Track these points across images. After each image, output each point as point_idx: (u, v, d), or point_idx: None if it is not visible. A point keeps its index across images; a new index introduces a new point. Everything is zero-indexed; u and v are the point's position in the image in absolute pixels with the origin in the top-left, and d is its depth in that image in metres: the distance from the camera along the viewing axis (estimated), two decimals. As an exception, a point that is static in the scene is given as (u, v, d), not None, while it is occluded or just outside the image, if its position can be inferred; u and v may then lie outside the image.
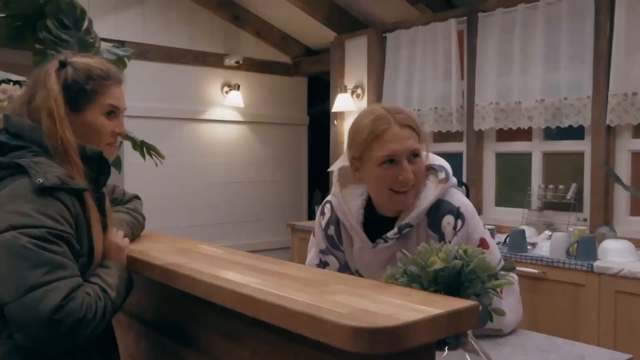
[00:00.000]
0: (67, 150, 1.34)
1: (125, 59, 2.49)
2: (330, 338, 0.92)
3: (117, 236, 1.47)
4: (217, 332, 1.37)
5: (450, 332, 0.98)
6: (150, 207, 5.62)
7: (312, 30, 5.30)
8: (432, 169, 1.62)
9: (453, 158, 4.38)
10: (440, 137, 4.39)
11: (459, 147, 4.29)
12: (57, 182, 1.27)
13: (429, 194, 1.57)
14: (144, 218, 1.75)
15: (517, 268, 3.07)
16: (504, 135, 4.04)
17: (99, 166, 1.41)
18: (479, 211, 4.02)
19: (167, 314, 1.60)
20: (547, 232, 3.39)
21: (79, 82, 1.40)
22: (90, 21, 2.18)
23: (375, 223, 1.64)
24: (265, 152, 5.73)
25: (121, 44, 4.73)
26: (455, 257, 1.14)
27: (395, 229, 1.58)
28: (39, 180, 1.25)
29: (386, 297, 1.05)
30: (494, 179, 4.13)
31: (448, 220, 1.56)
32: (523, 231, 3.24)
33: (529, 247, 3.25)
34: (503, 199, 4.10)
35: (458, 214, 1.56)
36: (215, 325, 1.38)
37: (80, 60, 1.45)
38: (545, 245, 3.16)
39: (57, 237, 1.24)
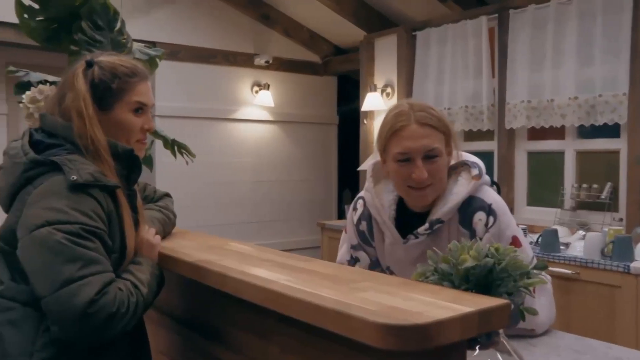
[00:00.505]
0: (97, 148, 1.36)
1: (157, 59, 2.51)
2: (359, 335, 0.91)
3: (149, 233, 1.49)
4: (246, 329, 1.38)
5: (481, 331, 0.97)
6: (180, 205, 5.64)
7: (342, 29, 5.30)
8: (465, 165, 1.60)
9: (484, 157, 4.29)
10: (471, 135, 4.35)
11: (490, 145, 4.24)
12: (90, 179, 1.29)
13: (461, 189, 1.56)
14: (175, 216, 1.77)
15: (550, 268, 3.04)
16: (535, 133, 3.98)
17: (130, 163, 1.43)
18: (510, 211, 3.95)
19: (197, 310, 1.61)
20: (581, 232, 3.33)
21: (105, 80, 1.42)
22: (122, 22, 2.21)
23: (407, 219, 1.63)
24: (295, 152, 5.75)
25: (152, 44, 4.79)
26: (487, 255, 1.13)
27: (427, 225, 1.57)
28: (73, 177, 1.27)
29: (416, 295, 1.04)
30: (525, 178, 4.07)
31: (480, 216, 1.54)
32: (555, 231, 3.19)
33: (561, 247, 3.20)
34: (535, 199, 4.04)
35: (490, 211, 1.54)
36: (244, 322, 1.38)
37: (106, 59, 1.47)
38: (579, 245, 3.10)
39: (90, 233, 1.26)
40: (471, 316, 0.94)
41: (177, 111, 4.96)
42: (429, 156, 1.53)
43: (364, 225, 1.73)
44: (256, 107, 5.46)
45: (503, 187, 4.00)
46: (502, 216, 1.55)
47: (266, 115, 5.55)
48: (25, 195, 1.31)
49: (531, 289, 1.12)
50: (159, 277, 1.44)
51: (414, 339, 0.88)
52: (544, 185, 4.01)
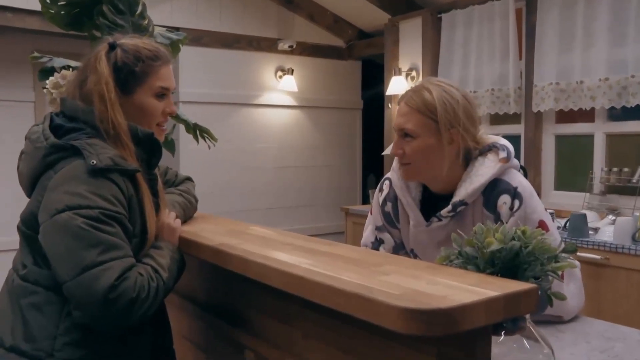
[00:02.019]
0: (118, 132, 1.35)
1: (179, 43, 2.50)
2: (382, 319, 0.89)
3: (169, 217, 1.48)
4: (268, 314, 1.37)
5: (507, 316, 0.94)
6: (203, 191, 5.70)
7: (366, 13, 5.23)
8: (494, 148, 1.56)
9: (510, 140, 4.23)
10: (497, 119, 4.27)
11: (517, 129, 4.16)
12: (110, 163, 1.28)
13: (487, 171, 1.52)
14: (196, 200, 1.76)
15: (578, 254, 2.98)
16: (564, 116, 3.89)
17: (151, 147, 1.42)
18: (537, 195, 3.89)
19: (219, 295, 1.61)
20: (611, 217, 3.25)
21: (129, 64, 1.40)
22: (144, 5, 2.20)
23: (432, 201, 1.61)
24: (319, 137, 5.72)
25: (176, 30, 4.80)
26: (513, 238, 1.09)
27: (450, 207, 1.54)
28: (93, 162, 1.27)
29: (440, 279, 1.01)
30: (553, 161, 3.99)
31: (504, 199, 1.50)
32: (584, 215, 3.12)
33: (590, 232, 3.13)
34: (563, 183, 3.96)
35: (515, 194, 1.50)
36: (266, 307, 1.37)
37: (129, 42, 1.45)
38: (608, 230, 3.03)
39: (110, 218, 1.26)
40: (497, 300, 0.91)
41: (201, 97, 4.97)
42: (405, 135, 1.55)
43: (389, 207, 1.72)
44: (280, 92, 5.44)
45: (530, 171, 3.93)
46: (529, 200, 1.51)
47: (290, 101, 5.52)
48: (46, 180, 1.31)
49: (559, 273, 1.08)
50: (180, 262, 1.43)
51: (437, 323, 0.85)
52: (573, 169, 3.93)
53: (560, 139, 3.98)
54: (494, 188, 1.52)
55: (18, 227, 1.38)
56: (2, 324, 1.32)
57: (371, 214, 1.80)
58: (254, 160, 5.35)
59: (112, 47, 1.42)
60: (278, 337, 1.34)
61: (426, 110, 1.52)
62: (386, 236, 1.74)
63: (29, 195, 1.39)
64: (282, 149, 5.52)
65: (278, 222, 5.34)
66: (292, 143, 5.57)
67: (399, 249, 1.72)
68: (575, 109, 3.65)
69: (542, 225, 1.49)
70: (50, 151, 1.33)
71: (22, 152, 1.42)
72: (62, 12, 2.15)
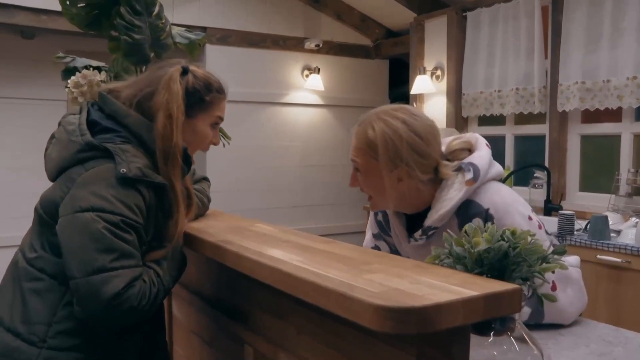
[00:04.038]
0: (175, 154, 1.40)
1: (198, 43, 2.54)
2: (359, 317, 0.90)
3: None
4: (265, 310, 1.39)
5: (487, 316, 0.94)
6: (230, 189, 5.76)
7: (393, 11, 5.22)
8: (459, 169, 1.51)
9: (535, 141, 4.21)
10: (522, 119, 4.22)
11: (542, 129, 4.10)
12: (138, 174, 1.32)
13: (454, 194, 1.48)
14: (209, 200, 1.80)
15: (599, 257, 2.93)
16: (589, 116, 3.82)
17: (184, 161, 1.45)
18: (561, 197, 3.83)
19: (223, 290, 1.64)
20: (634, 219, 3.18)
21: (199, 90, 1.47)
22: (161, 6, 2.24)
23: (415, 217, 1.59)
24: (344, 136, 5.71)
25: (203, 30, 4.87)
26: (503, 239, 1.09)
27: (420, 231, 1.54)
28: (123, 170, 1.30)
29: (425, 278, 1.02)
30: (578, 162, 3.91)
31: (477, 223, 1.48)
32: (606, 217, 3.06)
33: (612, 234, 3.07)
34: (588, 184, 3.89)
35: (487, 216, 1.46)
36: (264, 303, 1.39)
37: (200, 70, 1.52)
38: (630, 232, 2.97)
39: (129, 226, 1.30)
40: (475, 300, 0.91)
41: (228, 96, 5.01)
42: (356, 168, 1.55)
43: (380, 216, 1.73)
44: (306, 91, 5.46)
45: (554, 172, 3.87)
46: (502, 219, 1.44)
47: (316, 99, 5.54)
48: (74, 175, 1.34)
49: (546, 274, 1.08)
50: (181, 262, 1.47)
51: (411, 322, 0.86)
52: (598, 170, 3.85)
53: (585, 139, 3.91)
54: (467, 210, 1.48)
55: (36, 209, 1.42)
56: (3, 303, 1.37)
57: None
58: (279, 158, 5.39)
59: (185, 71, 1.47)
60: (274, 333, 1.35)
61: (368, 149, 1.49)
62: (382, 244, 1.76)
63: (52, 179, 1.43)
64: (308, 148, 5.55)
65: (303, 220, 5.37)
66: (317, 141, 5.59)
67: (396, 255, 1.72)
68: (602, 108, 3.58)
69: None
70: (84, 148, 1.36)
71: (52, 136, 1.46)
72: (82, 14, 2.20)
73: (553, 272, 1.09)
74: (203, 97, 1.47)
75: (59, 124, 1.46)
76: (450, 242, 1.15)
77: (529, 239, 1.09)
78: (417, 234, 1.54)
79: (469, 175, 1.48)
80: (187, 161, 1.46)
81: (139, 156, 1.36)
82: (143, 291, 1.28)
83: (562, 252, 1.11)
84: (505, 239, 1.10)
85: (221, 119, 1.55)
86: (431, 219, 1.50)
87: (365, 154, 1.50)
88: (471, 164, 1.50)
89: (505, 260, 1.08)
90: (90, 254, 1.25)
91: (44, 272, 1.34)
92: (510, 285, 0.97)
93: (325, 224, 5.48)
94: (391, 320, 0.86)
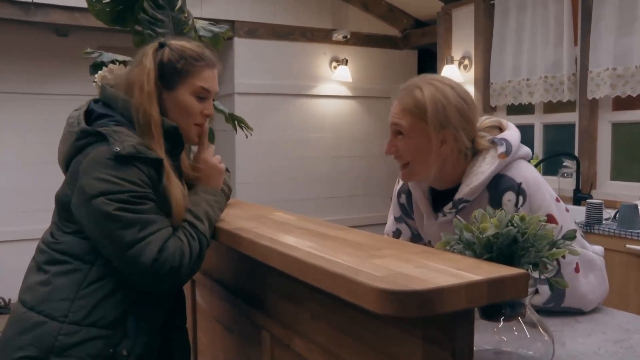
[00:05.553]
0: (148, 122, 1.43)
1: (222, 36, 2.58)
2: (362, 300, 0.92)
3: (216, 158, 1.60)
4: (281, 296, 1.42)
5: (492, 301, 0.94)
6: (259, 181, 5.80)
7: (420, 1, 5.19)
8: (492, 143, 1.53)
9: (564, 129, 4.14)
10: (551, 107, 4.15)
11: (571, 117, 4.02)
12: (132, 151, 1.36)
13: (485, 168, 1.49)
14: (230, 190, 1.83)
15: (627, 246, 2.87)
16: (621, 103, 3.73)
17: (174, 139, 1.49)
18: (592, 186, 3.76)
19: (242, 277, 1.67)
20: (666, 208, 3.11)
21: (172, 61, 1.49)
22: (183, 0, 2.28)
23: (442, 194, 1.60)
24: (373, 127, 5.71)
25: (231, 24, 4.92)
26: (512, 224, 1.10)
27: (450, 204, 1.54)
28: (116, 149, 1.35)
29: (432, 263, 1.03)
30: (609, 150, 3.83)
31: (509, 197, 1.47)
32: (636, 206, 2.99)
33: (643, 223, 3.01)
34: (619, 172, 3.81)
35: (519, 190, 1.46)
36: (280, 289, 1.42)
37: (177, 42, 1.55)
38: (662, 221, 2.91)
39: (140, 198, 1.35)
40: (478, 285, 0.91)
41: (257, 88, 5.07)
42: (398, 132, 1.53)
43: (403, 198, 1.73)
44: (334, 82, 5.47)
45: (584, 161, 3.80)
46: (533, 195, 1.46)
47: (344, 91, 5.55)
48: (76, 165, 1.40)
49: (554, 260, 1.08)
50: (221, 203, 1.56)
51: (413, 305, 0.87)
52: (630, 159, 3.77)
53: (616, 127, 3.83)
54: (498, 185, 1.49)
55: (55, 197, 1.48)
56: (26, 288, 1.42)
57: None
58: (308, 150, 5.41)
59: (161, 45, 1.52)
60: (289, 319, 1.38)
61: (417, 110, 1.49)
62: (403, 227, 1.76)
63: (64, 172, 1.50)
64: (337, 139, 5.56)
65: (333, 211, 5.39)
66: (347, 133, 5.60)
67: (417, 239, 1.72)
68: (634, 95, 3.49)
69: (550, 219, 1.45)
70: (80, 136, 1.42)
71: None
72: (107, 9, 2.26)
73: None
74: (175, 66, 1.48)
75: (66, 120, 1.52)
76: (460, 228, 1.16)
77: (539, 223, 1.09)
78: (447, 207, 1.55)
79: (502, 149, 1.50)
80: (178, 140, 1.50)
81: (132, 136, 1.41)
82: (181, 250, 1.35)
83: (572, 238, 1.10)
84: (514, 224, 1.10)
85: (205, 89, 1.52)
86: (462, 192, 1.51)
87: (412, 115, 1.50)
88: (503, 139, 1.53)
89: (514, 246, 1.09)
90: (115, 235, 1.31)
91: (67, 255, 1.39)
92: (515, 270, 0.97)
93: (355, 215, 5.50)
94: (393, 302, 0.88)
